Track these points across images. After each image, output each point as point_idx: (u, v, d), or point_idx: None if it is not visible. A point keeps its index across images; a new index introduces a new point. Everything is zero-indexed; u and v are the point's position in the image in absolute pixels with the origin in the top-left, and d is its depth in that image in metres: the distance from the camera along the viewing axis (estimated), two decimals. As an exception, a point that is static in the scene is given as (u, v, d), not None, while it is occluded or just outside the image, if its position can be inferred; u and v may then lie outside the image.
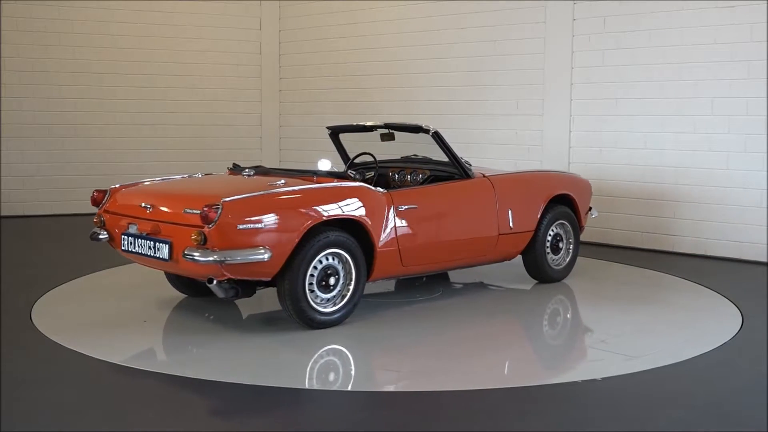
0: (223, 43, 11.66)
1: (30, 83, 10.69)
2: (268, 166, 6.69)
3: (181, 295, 6.39)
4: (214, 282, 5.16)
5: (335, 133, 7.17)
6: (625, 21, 8.56)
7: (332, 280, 5.45)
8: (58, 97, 10.85)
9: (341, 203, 5.51)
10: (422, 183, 6.48)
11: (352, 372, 4.92)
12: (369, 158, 6.64)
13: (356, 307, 5.68)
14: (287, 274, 5.27)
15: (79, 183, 10.82)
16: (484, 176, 6.52)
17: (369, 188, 5.76)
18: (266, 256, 5.09)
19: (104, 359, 4.91)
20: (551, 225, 6.82)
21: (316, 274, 5.39)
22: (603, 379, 4.65)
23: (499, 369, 4.97)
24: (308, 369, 4.95)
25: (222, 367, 4.86)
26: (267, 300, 6.18)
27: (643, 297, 6.62)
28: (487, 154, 9.43)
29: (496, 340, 5.59)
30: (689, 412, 4.17)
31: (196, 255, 4.99)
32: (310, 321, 5.41)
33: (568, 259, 7.03)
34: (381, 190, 5.82)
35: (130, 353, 5.20)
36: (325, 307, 5.48)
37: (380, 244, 5.69)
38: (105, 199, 5.92)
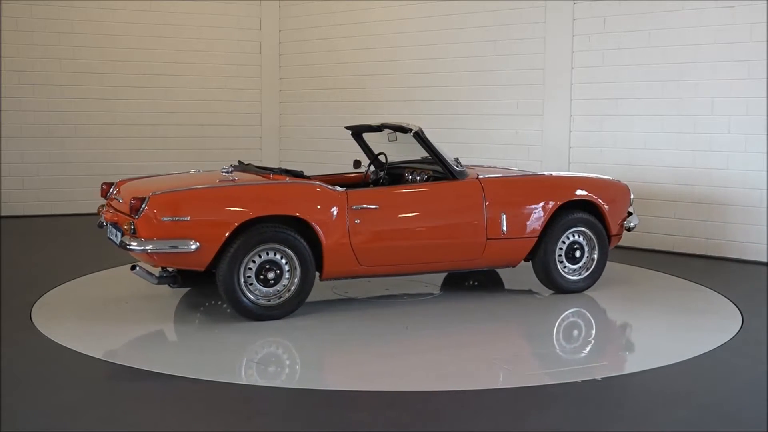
0: (223, 43, 11.66)
1: (30, 83, 10.68)
2: (269, 165, 6.72)
3: (184, 289, 6.42)
4: (137, 269, 5.55)
5: (356, 133, 7.05)
6: (625, 21, 8.56)
7: (271, 275, 5.58)
8: (58, 97, 10.84)
9: (281, 200, 5.69)
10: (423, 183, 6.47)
11: (345, 371, 4.91)
12: (401, 157, 6.64)
13: (302, 303, 5.75)
14: (221, 267, 5.48)
15: (79, 183, 10.82)
16: (477, 177, 6.32)
17: (320, 186, 5.83)
18: (193, 247, 5.37)
19: (104, 359, 4.91)
20: (564, 232, 6.40)
21: (254, 268, 5.55)
22: (603, 379, 4.65)
23: (497, 369, 4.98)
24: (307, 369, 4.95)
25: (222, 366, 4.87)
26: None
27: (643, 297, 6.62)
28: (487, 154, 9.42)
29: (493, 341, 5.60)
30: (689, 412, 4.18)
31: (131, 244, 5.41)
32: (247, 312, 5.59)
33: (590, 270, 6.56)
34: (339, 189, 5.86)
35: (130, 353, 5.21)
36: (269, 301, 5.63)
37: (329, 242, 5.72)
38: (111, 190, 6.26)
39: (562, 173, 7.80)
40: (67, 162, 10.92)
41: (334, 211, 5.76)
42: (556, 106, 9.12)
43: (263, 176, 6.05)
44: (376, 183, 6.84)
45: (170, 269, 5.76)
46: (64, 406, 4.18)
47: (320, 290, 6.58)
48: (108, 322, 5.75)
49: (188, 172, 6.73)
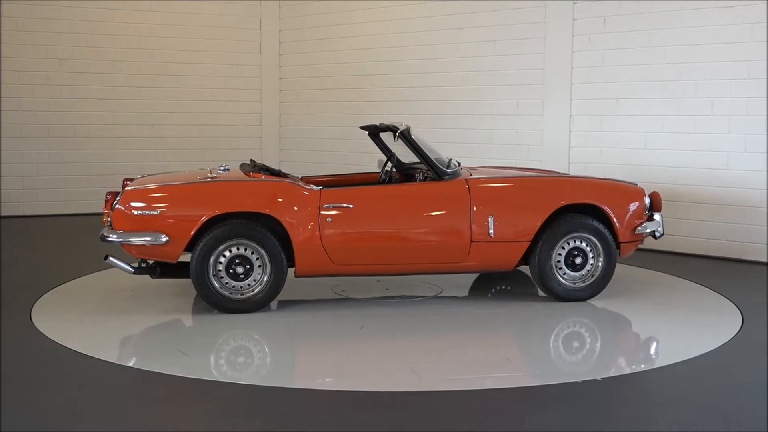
0: (223, 43, 11.66)
1: (30, 83, 10.69)
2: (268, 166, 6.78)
3: (186, 290, 6.42)
4: (110, 258, 5.88)
5: (373, 133, 6.99)
6: (625, 21, 8.56)
7: (240, 269, 5.80)
8: (58, 97, 10.84)
9: (250, 198, 5.88)
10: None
11: (346, 371, 4.91)
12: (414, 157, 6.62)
13: (274, 297, 5.92)
14: (193, 259, 5.76)
15: (79, 183, 10.84)
16: (465, 179, 6.17)
17: (291, 184, 5.96)
18: (164, 240, 5.69)
19: (104, 359, 4.91)
20: (564, 237, 6.12)
21: (224, 262, 5.78)
22: (603, 379, 4.65)
23: (497, 369, 4.97)
24: (313, 368, 4.95)
25: (223, 365, 4.87)
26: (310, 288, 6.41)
27: (643, 297, 6.61)
28: (487, 154, 9.43)
29: (491, 341, 5.60)
30: (689, 412, 4.18)
31: (108, 236, 5.79)
32: (218, 305, 5.84)
33: (594, 278, 6.24)
34: (314, 187, 5.96)
35: (130, 353, 5.21)
36: (243, 294, 5.84)
37: (299, 239, 5.82)
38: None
39: (571, 175, 7.52)
40: (67, 162, 10.92)
41: (305, 209, 5.85)
42: (556, 106, 9.12)
43: (246, 174, 6.21)
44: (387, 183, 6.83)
45: (150, 261, 5.99)
46: (64, 406, 4.19)
47: (319, 289, 6.60)
48: (108, 321, 5.75)
49: (202, 169, 6.83)
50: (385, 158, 6.95)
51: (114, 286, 6.80)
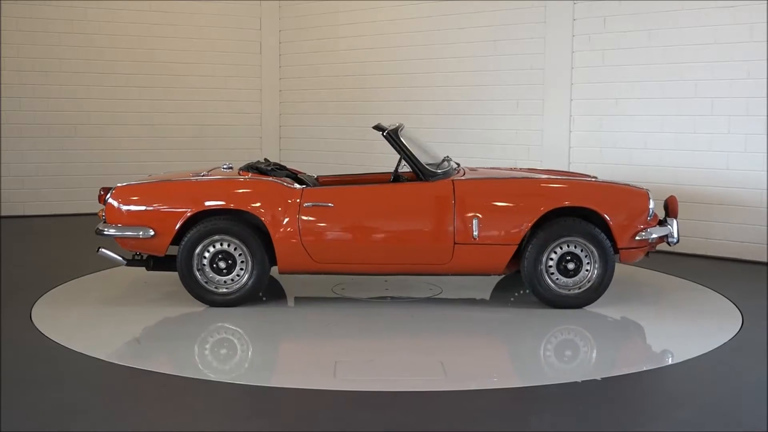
0: (223, 43, 11.66)
1: (30, 83, 10.68)
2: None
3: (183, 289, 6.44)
4: (101, 251, 6.20)
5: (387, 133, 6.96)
6: (625, 21, 8.56)
7: (222, 264, 5.99)
8: (58, 97, 10.84)
9: (231, 195, 6.07)
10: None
11: (348, 372, 4.92)
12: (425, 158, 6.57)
13: (258, 292, 6.10)
14: (179, 253, 5.99)
15: (79, 183, 10.82)
16: (452, 179, 6.03)
17: (274, 183, 6.08)
18: (151, 234, 5.97)
19: (104, 359, 4.91)
20: (555, 241, 5.90)
21: (209, 257, 6.00)
22: (603, 379, 4.65)
23: (499, 369, 4.98)
24: (306, 369, 4.95)
25: (223, 365, 4.87)
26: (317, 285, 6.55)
27: (643, 297, 6.61)
28: (487, 154, 9.43)
29: (491, 340, 5.59)
30: (689, 412, 4.18)
31: (103, 230, 6.10)
32: (200, 298, 6.06)
33: (590, 284, 5.99)
34: (297, 186, 6.07)
35: (130, 353, 5.21)
36: (227, 288, 6.04)
37: (278, 237, 5.92)
38: None
39: (572, 176, 7.07)
40: (67, 162, 10.92)
41: (286, 207, 5.94)
42: (556, 106, 9.12)
43: (239, 173, 6.36)
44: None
45: (144, 254, 6.24)
46: (64, 406, 4.19)
47: (315, 288, 6.60)
48: (108, 321, 5.76)
49: (216, 168, 6.95)
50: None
51: (114, 285, 6.80)
